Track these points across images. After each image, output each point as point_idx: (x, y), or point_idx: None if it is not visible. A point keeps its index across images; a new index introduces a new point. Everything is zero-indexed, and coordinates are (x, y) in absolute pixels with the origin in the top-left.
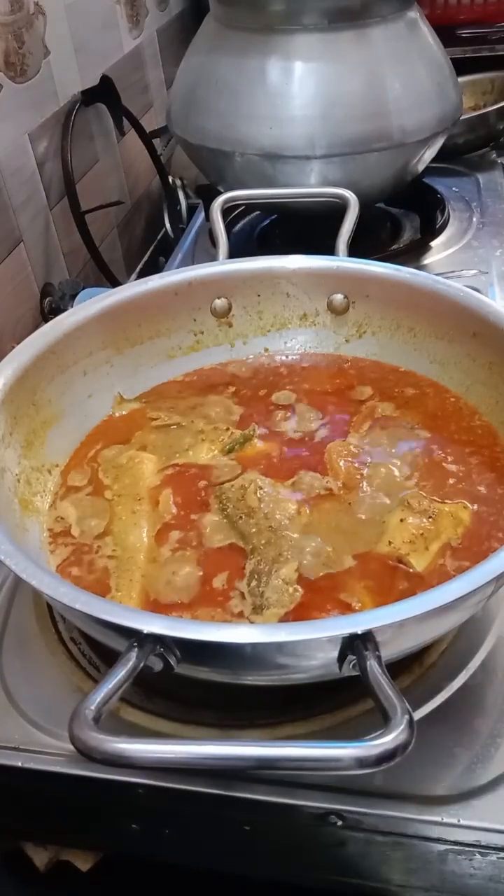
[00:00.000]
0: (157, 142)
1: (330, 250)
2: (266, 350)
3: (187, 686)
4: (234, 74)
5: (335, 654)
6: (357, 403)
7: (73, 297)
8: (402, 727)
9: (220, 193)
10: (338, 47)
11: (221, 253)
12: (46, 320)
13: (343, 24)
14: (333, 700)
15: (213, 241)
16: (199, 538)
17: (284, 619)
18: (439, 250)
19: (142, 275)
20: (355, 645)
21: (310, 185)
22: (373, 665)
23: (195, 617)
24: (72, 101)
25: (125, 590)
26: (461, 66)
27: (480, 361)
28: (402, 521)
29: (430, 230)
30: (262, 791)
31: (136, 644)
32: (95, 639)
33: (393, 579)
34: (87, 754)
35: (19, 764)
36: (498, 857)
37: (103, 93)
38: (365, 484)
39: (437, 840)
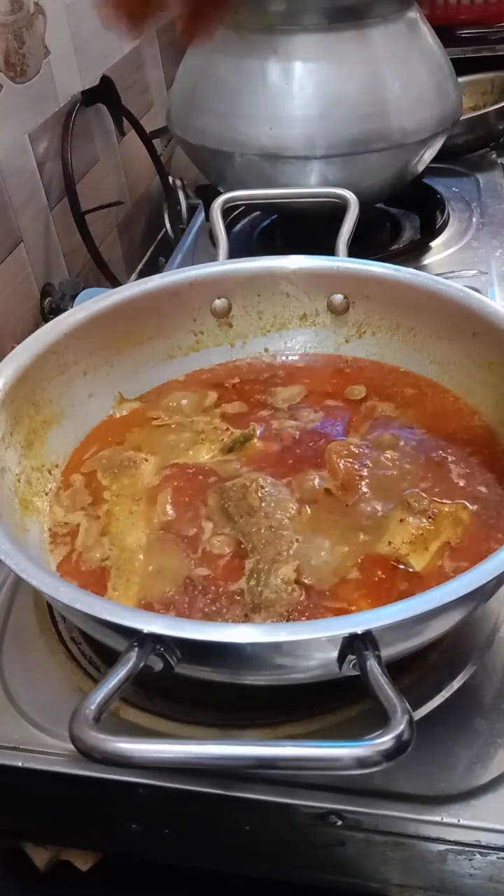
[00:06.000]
0: (157, 142)
1: (330, 250)
2: (266, 350)
3: (187, 686)
4: (234, 74)
5: (335, 653)
6: (357, 403)
7: (73, 297)
8: (402, 727)
9: (220, 193)
10: (338, 47)
11: (221, 253)
12: (46, 320)
13: (343, 24)
14: (333, 700)
15: (213, 242)
16: (198, 538)
17: (283, 618)
18: (439, 250)
19: (142, 275)
20: (355, 645)
21: (310, 185)
22: (373, 665)
23: (194, 616)
24: (72, 102)
25: (122, 590)
26: (461, 66)
27: (480, 361)
28: (401, 521)
29: (430, 230)
30: (262, 791)
31: (136, 644)
32: (95, 639)
33: (392, 579)
34: (87, 754)
35: (19, 764)
36: (498, 857)
37: (103, 93)
38: (364, 484)
39: (437, 840)
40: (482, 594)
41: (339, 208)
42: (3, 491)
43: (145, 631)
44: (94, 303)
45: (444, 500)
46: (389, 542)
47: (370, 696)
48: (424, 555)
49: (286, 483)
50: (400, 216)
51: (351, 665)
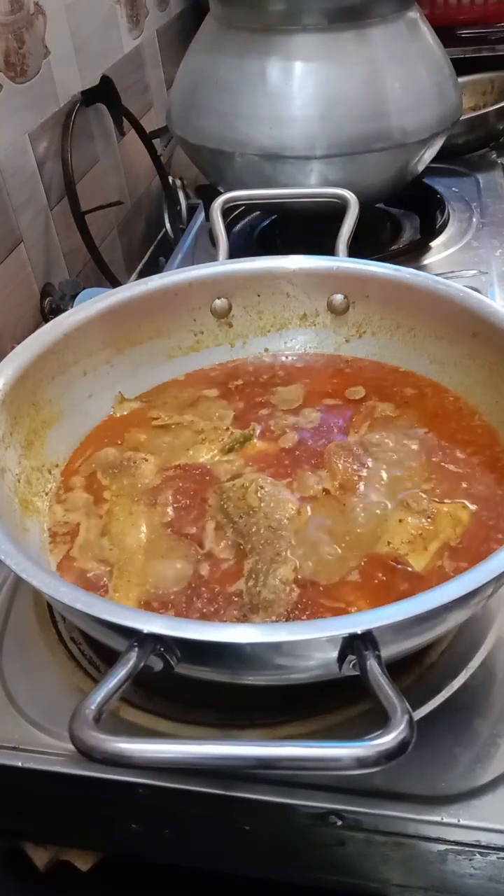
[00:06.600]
0: (157, 142)
1: (330, 250)
2: (266, 350)
3: (187, 686)
4: (234, 74)
5: (335, 654)
6: (356, 403)
7: (73, 297)
8: (402, 727)
9: (220, 193)
10: (338, 47)
11: (221, 253)
12: (46, 320)
13: (343, 24)
14: (333, 700)
15: (213, 242)
16: (198, 538)
17: (282, 619)
18: (439, 250)
19: (142, 275)
20: (355, 645)
21: (310, 185)
22: (373, 665)
23: (192, 616)
24: (72, 102)
25: (123, 591)
26: (461, 66)
27: (480, 361)
28: (400, 521)
29: (430, 230)
30: (262, 791)
31: (136, 644)
32: (95, 639)
33: (392, 579)
34: (87, 754)
35: (19, 764)
36: (498, 857)
37: (103, 93)
38: (364, 484)
39: (437, 840)
40: (482, 594)
41: (339, 208)
42: (3, 491)
43: (145, 631)
44: (94, 303)
45: (443, 501)
46: (388, 542)
47: (370, 696)
48: (424, 555)
49: (286, 483)
50: (400, 216)
51: (351, 665)
